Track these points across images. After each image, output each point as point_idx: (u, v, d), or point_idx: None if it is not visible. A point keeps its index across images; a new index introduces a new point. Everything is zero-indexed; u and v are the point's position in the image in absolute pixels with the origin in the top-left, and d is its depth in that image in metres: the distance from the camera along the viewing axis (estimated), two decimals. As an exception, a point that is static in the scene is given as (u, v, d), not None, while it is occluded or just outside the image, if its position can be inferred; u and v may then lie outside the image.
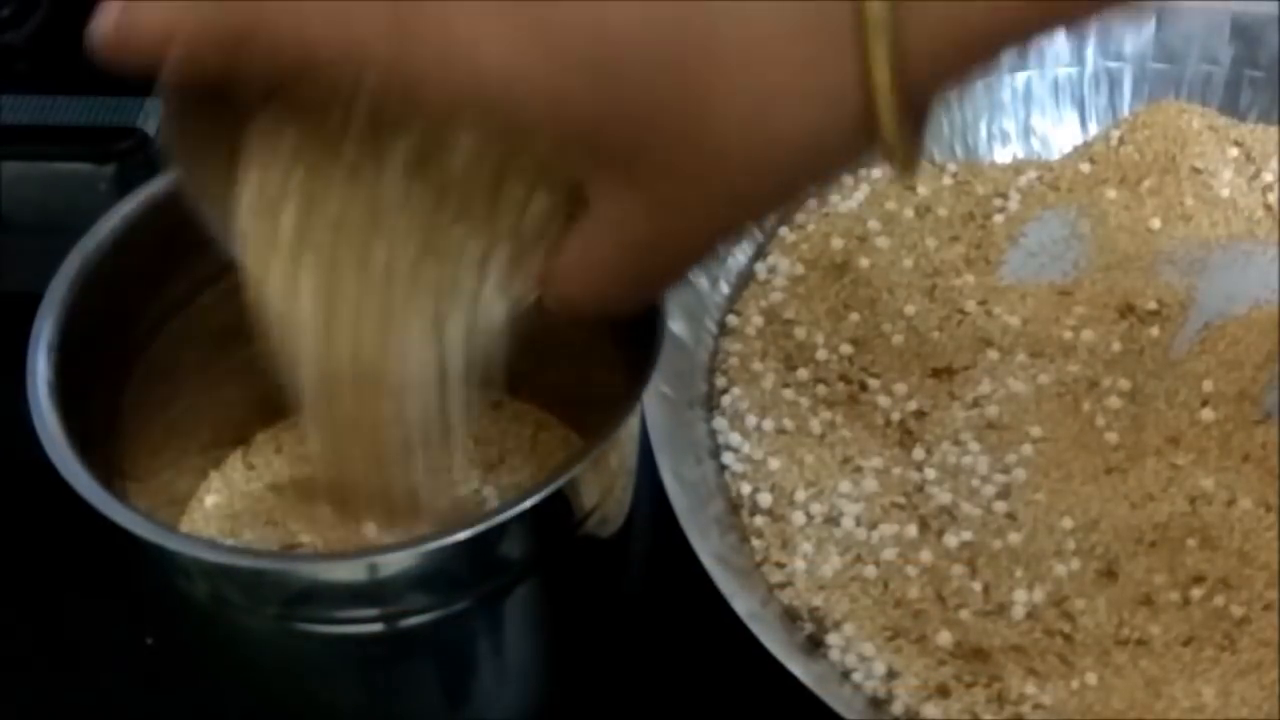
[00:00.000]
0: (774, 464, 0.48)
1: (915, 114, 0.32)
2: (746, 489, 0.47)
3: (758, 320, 0.51)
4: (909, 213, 0.54)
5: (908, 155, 0.32)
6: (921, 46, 0.30)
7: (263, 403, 0.47)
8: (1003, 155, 0.57)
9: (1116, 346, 0.51)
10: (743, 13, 0.30)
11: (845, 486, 0.47)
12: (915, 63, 0.30)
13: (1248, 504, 0.46)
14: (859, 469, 0.47)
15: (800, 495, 0.47)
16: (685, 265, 0.35)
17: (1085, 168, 0.56)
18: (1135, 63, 0.57)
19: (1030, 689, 0.43)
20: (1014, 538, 0.46)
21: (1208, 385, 0.49)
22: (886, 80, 0.30)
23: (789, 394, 0.49)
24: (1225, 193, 0.55)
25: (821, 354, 0.50)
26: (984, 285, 0.53)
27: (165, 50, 0.32)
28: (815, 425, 0.49)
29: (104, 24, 0.33)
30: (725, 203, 0.32)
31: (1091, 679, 0.43)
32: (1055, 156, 0.57)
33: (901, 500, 0.47)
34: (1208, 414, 0.49)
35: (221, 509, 0.45)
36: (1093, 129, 0.57)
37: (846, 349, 0.51)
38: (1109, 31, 0.57)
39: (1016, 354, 0.51)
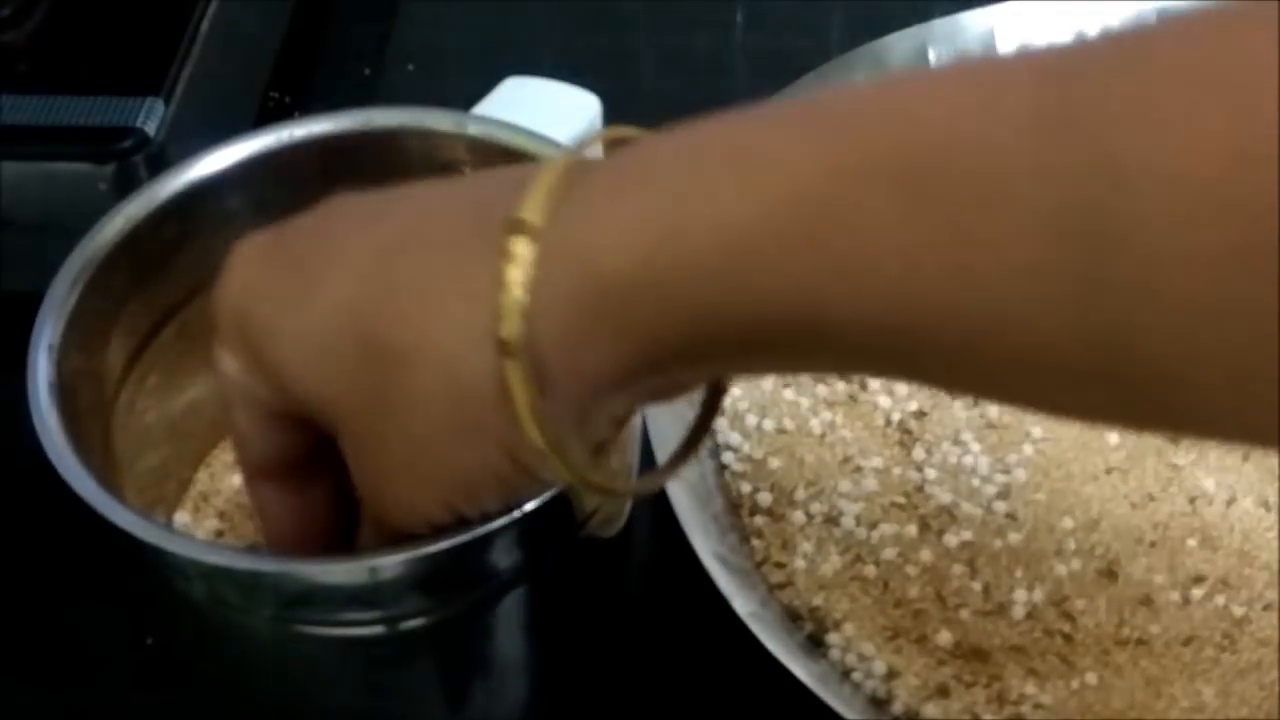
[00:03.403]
0: (774, 464, 0.48)
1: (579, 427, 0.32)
2: (746, 489, 0.47)
3: (758, 320, 0.51)
4: (909, 212, 0.54)
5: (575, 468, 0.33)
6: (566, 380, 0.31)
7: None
8: (1003, 154, 0.56)
9: (1117, 346, 0.51)
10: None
11: (845, 486, 0.47)
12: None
13: (1248, 504, 0.46)
14: (859, 469, 0.47)
15: (800, 495, 0.47)
16: (424, 493, 0.35)
17: (1085, 167, 0.56)
18: (1135, 62, 0.57)
19: (1030, 689, 0.43)
20: (1014, 538, 0.46)
21: (1208, 385, 0.49)
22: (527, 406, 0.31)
23: (789, 394, 0.49)
24: (1225, 192, 0.55)
25: (821, 354, 0.50)
26: (984, 285, 0.52)
27: None
28: (815, 425, 0.49)
29: None
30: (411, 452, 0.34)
31: (1091, 679, 0.43)
32: (1055, 156, 0.56)
33: (901, 500, 0.47)
34: (1208, 414, 0.49)
35: (220, 510, 0.45)
36: (1093, 128, 0.57)
37: (846, 349, 0.51)
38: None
39: (1017, 354, 0.50)
